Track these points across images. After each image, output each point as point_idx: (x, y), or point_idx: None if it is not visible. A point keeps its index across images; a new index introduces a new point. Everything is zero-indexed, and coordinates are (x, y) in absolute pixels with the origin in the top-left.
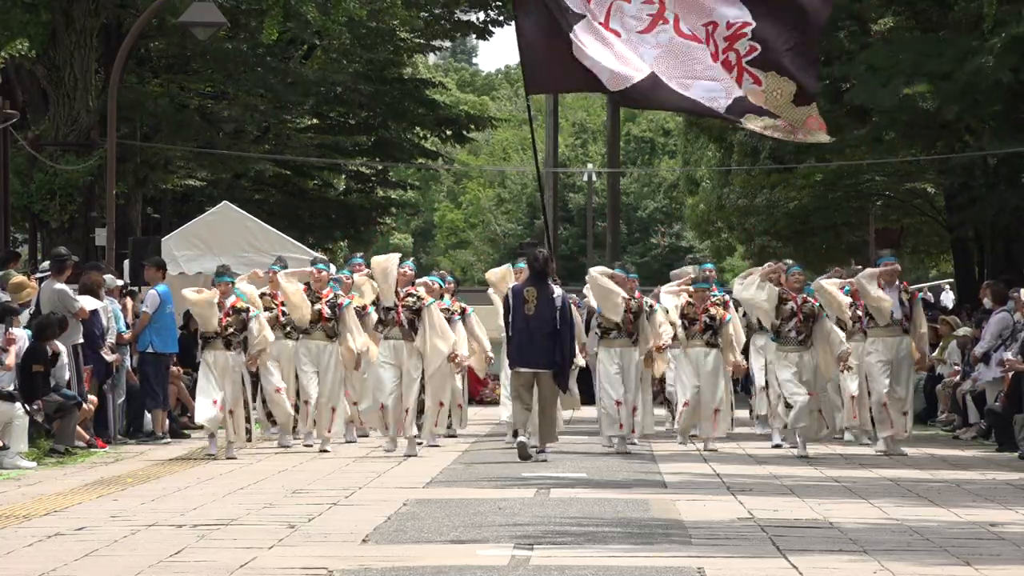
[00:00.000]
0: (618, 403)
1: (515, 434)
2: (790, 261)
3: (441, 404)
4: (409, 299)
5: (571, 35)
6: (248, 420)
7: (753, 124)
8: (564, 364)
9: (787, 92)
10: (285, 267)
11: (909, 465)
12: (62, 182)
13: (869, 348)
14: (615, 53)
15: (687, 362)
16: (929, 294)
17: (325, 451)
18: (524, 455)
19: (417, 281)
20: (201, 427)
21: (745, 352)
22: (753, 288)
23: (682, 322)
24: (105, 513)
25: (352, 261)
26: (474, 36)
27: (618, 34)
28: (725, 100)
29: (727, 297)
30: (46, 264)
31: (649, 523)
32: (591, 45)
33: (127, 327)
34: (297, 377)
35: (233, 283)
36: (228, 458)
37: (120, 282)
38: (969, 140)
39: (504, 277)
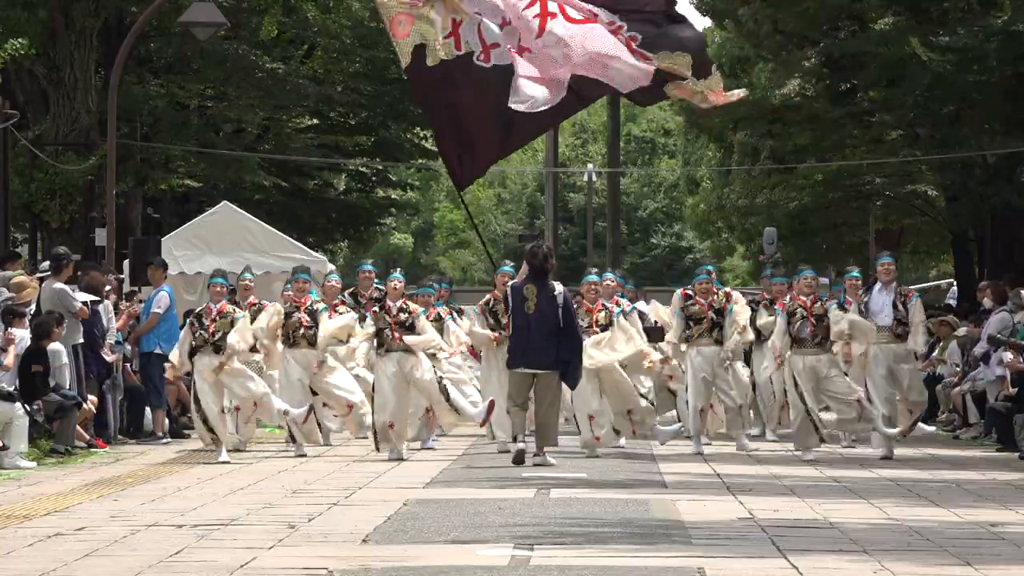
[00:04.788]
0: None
1: (515, 439)
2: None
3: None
4: (401, 315)
5: (516, 79)
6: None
7: (678, 90)
8: (570, 362)
9: (684, 64)
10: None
11: (909, 465)
12: (62, 182)
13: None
14: (540, 77)
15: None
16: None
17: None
18: (519, 461)
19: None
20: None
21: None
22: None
23: (687, 323)
24: (105, 513)
25: (362, 267)
26: None
27: (530, 50)
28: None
29: (728, 290)
30: (46, 264)
31: (649, 523)
32: (525, 86)
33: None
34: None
35: (227, 285)
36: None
37: (108, 287)
38: (969, 129)
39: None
